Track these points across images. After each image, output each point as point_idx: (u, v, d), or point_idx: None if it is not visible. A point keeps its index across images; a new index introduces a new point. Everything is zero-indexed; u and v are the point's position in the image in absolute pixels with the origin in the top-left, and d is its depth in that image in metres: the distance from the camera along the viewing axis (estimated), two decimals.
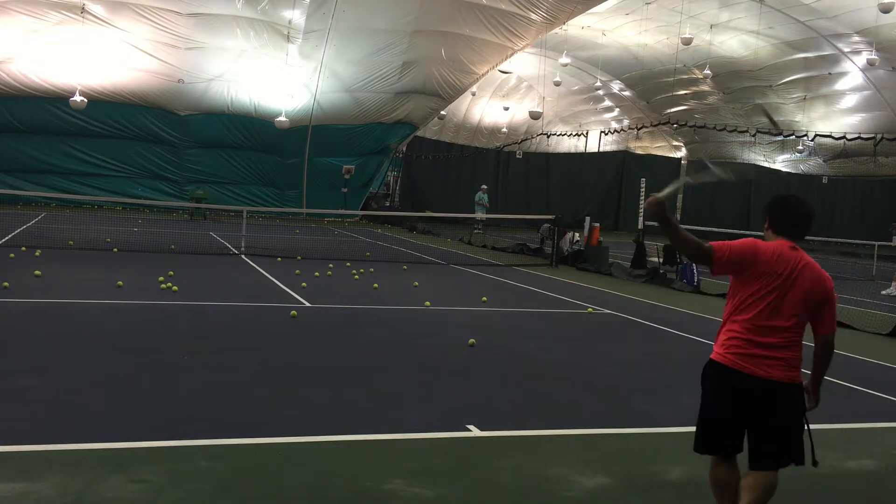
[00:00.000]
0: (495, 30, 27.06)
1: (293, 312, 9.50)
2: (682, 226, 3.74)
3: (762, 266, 3.58)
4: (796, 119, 35.29)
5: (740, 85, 35.65)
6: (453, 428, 5.46)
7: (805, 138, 33.11)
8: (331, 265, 14.69)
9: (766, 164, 38.94)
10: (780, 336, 3.57)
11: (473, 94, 39.20)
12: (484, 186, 28.59)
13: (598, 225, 18.40)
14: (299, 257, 15.87)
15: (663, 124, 36.56)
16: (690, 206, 37.65)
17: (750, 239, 3.69)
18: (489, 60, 29.39)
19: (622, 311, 11.59)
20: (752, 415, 3.61)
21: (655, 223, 3.77)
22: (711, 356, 3.77)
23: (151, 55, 25.65)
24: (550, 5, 25.78)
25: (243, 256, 15.61)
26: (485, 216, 26.91)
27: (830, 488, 4.78)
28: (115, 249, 14.96)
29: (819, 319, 3.67)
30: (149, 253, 14.99)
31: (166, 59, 25.84)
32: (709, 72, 32.03)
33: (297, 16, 25.01)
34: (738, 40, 32.09)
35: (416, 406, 5.99)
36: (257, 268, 13.95)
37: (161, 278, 11.29)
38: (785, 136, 34.14)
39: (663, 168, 37.36)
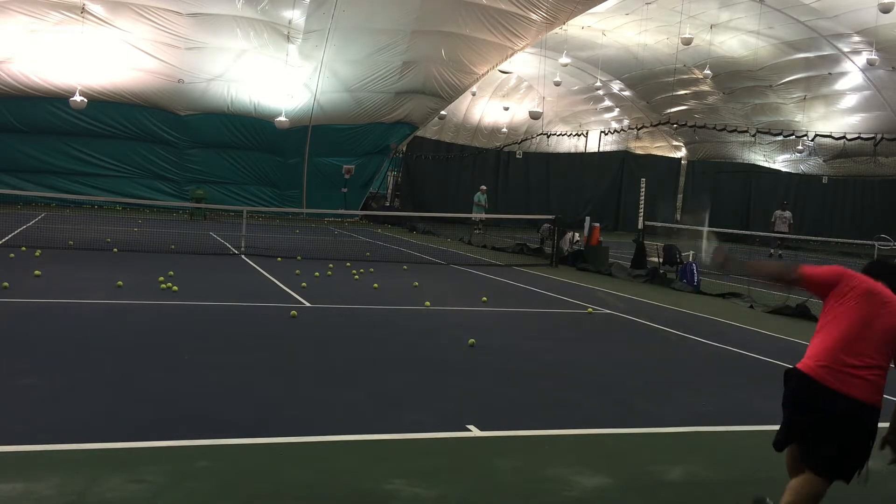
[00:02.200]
0: (495, 30, 27.05)
1: (293, 312, 9.50)
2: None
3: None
4: (796, 119, 35.29)
5: (740, 85, 35.64)
6: (453, 428, 5.46)
7: (805, 138, 33.10)
8: (331, 265, 14.69)
9: (766, 164, 38.96)
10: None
11: (473, 94, 39.18)
12: (483, 187, 28.56)
13: (598, 225, 18.38)
14: (299, 257, 15.87)
15: (663, 124, 36.53)
16: (690, 206, 37.63)
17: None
18: (489, 60, 29.38)
19: (622, 311, 11.59)
20: None
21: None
22: None
23: (151, 55, 25.64)
24: (550, 5, 25.78)
25: (243, 256, 15.62)
26: (484, 216, 26.91)
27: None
28: (115, 249, 14.96)
29: None
30: (149, 253, 15.00)
31: (166, 59, 25.84)
32: (709, 72, 32.03)
33: (297, 16, 25.01)
34: (738, 40, 32.09)
35: (416, 406, 5.99)
36: (257, 268, 13.95)
37: (161, 278, 11.29)
38: (785, 136, 34.13)
39: (663, 168, 37.40)
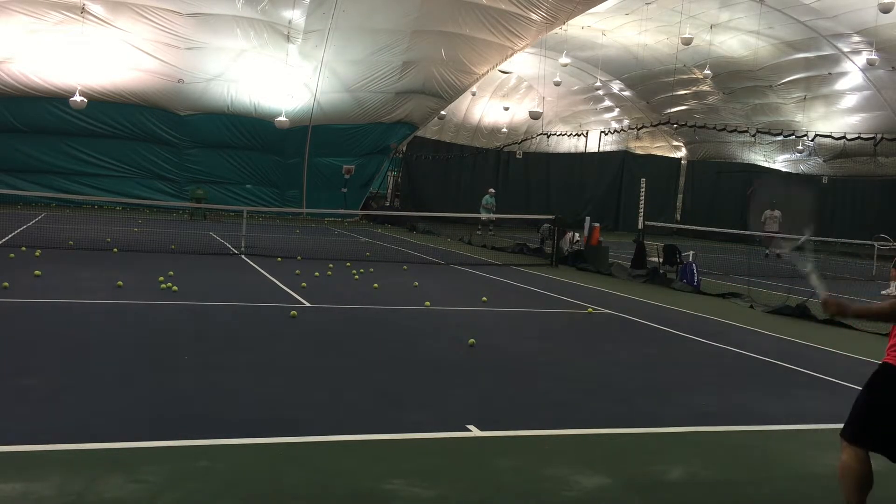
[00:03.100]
0: (495, 30, 27.06)
1: (293, 312, 9.50)
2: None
3: None
4: (796, 119, 35.29)
5: (740, 85, 35.64)
6: (453, 428, 5.46)
7: (805, 138, 33.08)
8: (331, 265, 14.69)
9: (766, 164, 38.96)
10: None
11: (473, 94, 39.16)
12: (491, 190, 28.48)
13: (598, 225, 18.39)
14: (299, 257, 15.87)
15: (663, 124, 36.53)
16: (690, 206, 37.65)
17: None
18: (489, 60, 29.39)
19: (622, 311, 11.59)
20: None
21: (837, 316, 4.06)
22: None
23: (151, 55, 25.66)
24: (550, 5, 25.78)
25: (243, 256, 15.61)
26: (492, 216, 26.85)
27: (831, 488, 4.78)
28: (115, 249, 14.96)
29: None
30: (149, 253, 14.99)
31: (166, 59, 25.85)
32: (709, 72, 32.02)
33: (297, 16, 25.02)
34: (738, 40, 32.10)
35: (416, 406, 5.98)
36: (257, 268, 13.95)
37: (161, 278, 11.29)
38: (785, 136, 34.12)
39: (663, 168, 37.41)
